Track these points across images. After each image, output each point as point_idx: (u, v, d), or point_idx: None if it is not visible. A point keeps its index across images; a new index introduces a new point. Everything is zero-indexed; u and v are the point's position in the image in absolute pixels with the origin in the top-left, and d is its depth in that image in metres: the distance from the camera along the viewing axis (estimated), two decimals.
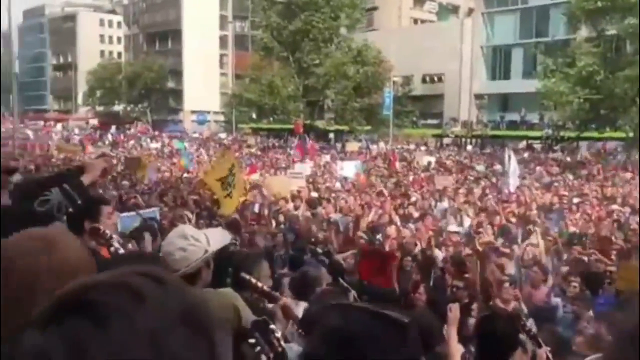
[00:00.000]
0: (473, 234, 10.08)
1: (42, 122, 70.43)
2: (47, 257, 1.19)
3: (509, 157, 16.13)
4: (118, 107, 72.31)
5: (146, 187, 15.61)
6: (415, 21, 63.03)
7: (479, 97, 49.67)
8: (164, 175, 18.94)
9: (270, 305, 3.29)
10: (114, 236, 2.94)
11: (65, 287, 0.67)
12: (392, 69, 46.36)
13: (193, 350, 0.64)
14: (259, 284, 2.95)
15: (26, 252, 1.19)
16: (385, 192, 15.95)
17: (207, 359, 0.65)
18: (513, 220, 12.13)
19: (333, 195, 15.66)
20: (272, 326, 2.39)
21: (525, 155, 33.87)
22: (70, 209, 2.44)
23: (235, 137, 49.89)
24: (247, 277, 2.97)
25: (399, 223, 11.39)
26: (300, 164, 22.79)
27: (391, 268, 6.64)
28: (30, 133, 46.03)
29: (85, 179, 2.64)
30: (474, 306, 5.73)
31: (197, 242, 2.62)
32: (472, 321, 4.91)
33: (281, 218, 11.55)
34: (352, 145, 39.09)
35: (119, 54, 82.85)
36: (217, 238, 2.78)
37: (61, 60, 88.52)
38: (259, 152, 36.43)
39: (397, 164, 24.46)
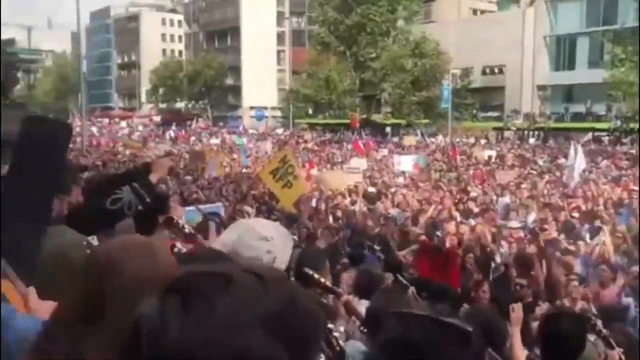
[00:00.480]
0: (537, 230, 9.76)
1: (107, 120, 73.31)
2: (152, 262, 1.29)
3: (575, 150, 15.53)
4: (180, 104, 74.25)
5: (207, 183, 15.96)
6: (475, 12, 61.51)
7: (541, 88, 48.00)
8: (224, 170, 19.29)
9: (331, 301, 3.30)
10: (186, 225, 3.05)
11: (179, 271, 0.77)
12: (451, 61, 45.48)
13: (268, 354, 0.67)
14: (322, 280, 2.95)
15: (135, 257, 1.29)
16: (445, 187, 15.70)
17: None
18: (577, 215, 11.69)
19: (391, 190, 15.54)
20: (331, 325, 2.38)
21: (592, 147, 32.51)
22: (140, 207, 2.52)
23: (292, 132, 50.25)
24: (310, 272, 2.97)
25: (459, 219, 11.18)
26: (356, 158, 22.72)
27: (454, 266, 6.52)
28: (96, 130, 48.00)
29: (153, 178, 2.73)
30: (539, 306, 5.54)
31: (274, 243, 2.59)
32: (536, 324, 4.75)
33: (338, 213, 11.57)
34: (410, 140, 38.62)
35: (180, 52, 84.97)
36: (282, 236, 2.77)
37: (125, 59, 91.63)
38: (315, 147, 36.57)
39: (457, 158, 23.99)
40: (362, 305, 3.61)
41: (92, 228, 2.33)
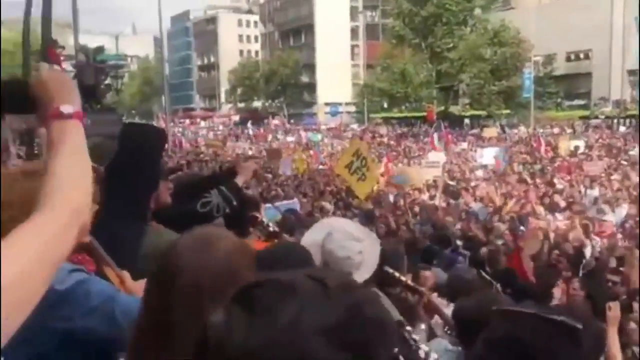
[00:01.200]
0: (631, 225, 9.20)
1: (188, 120, 76.04)
2: (208, 255, 1.27)
3: None
4: (257, 103, 75.88)
5: (284, 180, 16.21)
6: None
7: (632, 73, 45.11)
8: (302, 167, 19.50)
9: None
10: (270, 223, 3.10)
11: (246, 280, 0.78)
12: (532, 49, 43.67)
13: None
14: (403, 278, 2.90)
15: (190, 250, 1.28)
16: (529, 179, 15.12)
17: None
18: None
19: (472, 184, 15.15)
20: (408, 328, 2.34)
21: None
22: (227, 210, 2.61)
23: (367, 127, 50.07)
24: (391, 271, 2.93)
25: (543, 213, 10.74)
26: (434, 152, 22.29)
27: (520, 260, 6.25)
28: (178, 131, 49.91)
29: (239, 180, 2.82)
30: (635, 306, 5.22)
31: (365, 244, 2.60)
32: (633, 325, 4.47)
33: (416, 209, 11.40)
34: (490, 131, 37.45)
35: (257, 52, 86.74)
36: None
37: (205, 61, 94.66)
38: (391, 142, 36.24)
39: (542, 149, 23.01)
40: (444, 305, 3.52)
41: (182, 229, 2.42)
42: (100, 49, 13.29)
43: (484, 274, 5.89)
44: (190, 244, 1.29)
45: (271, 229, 3.07)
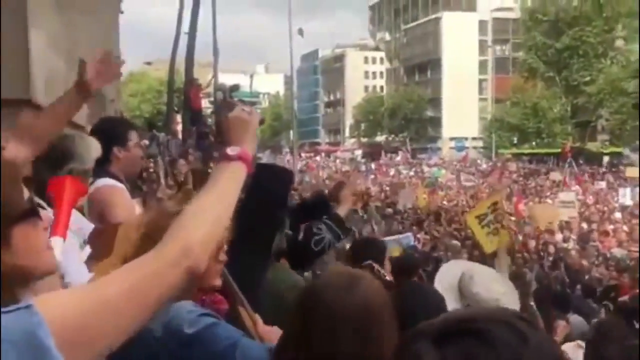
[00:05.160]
0: None
1: (314, 154, 78.16)
2: (349, 293, 1.33)
3: None
4: (380, 138, 76.32)
5: (405, 213, 16.01)
6: None
7: None
8: (423, 202, 19.13)
9: None
10: (386, 275, 2.97)
11: (444, 316, 0.76)
12: None
13: None
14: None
15: (331, 287, 1.36)
16: None
17: None
18: None
19: (611, 227, 13.97)
20: None
21: None
22: (336, 245, 2.62)
23: (495, 162, 48.25)
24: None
25: None
26: (566, 191, 20.92)
27: None
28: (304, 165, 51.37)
29: (341, 211, 2.80)
30: None
31: (506, 292, 2.57)
32: None
33: (551, 249, 10.70)
34: (633, 171, 34.46)
35: (382, 88, 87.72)
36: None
37: (331, 97, 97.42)
38: (520, 179, 34.56)
39: None
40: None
41: (297, 265, 2.48)
42: (235, 87, 14.11)
43: (636, 325, 5.33)
44: (335, 281, 1.37)
45: (387, 278, 2.93)
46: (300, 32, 30.04)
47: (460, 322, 0.72)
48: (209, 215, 1.05)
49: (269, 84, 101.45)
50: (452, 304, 2.52)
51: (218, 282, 1.60)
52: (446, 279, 2.64)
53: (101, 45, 4.50)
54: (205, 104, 22.56)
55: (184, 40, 21.17)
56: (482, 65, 73.93)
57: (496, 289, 2.48)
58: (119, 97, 7.49)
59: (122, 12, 8.34)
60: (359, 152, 75.87)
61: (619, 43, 45.07)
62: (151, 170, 7.93)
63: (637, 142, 40.75)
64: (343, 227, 2.72)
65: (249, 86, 43.33)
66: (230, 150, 1.19)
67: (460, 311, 0.76)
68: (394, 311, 1.35)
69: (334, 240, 2.64)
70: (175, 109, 23.56)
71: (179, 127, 21.73)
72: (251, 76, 46.70)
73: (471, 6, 76.16)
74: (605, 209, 18.58)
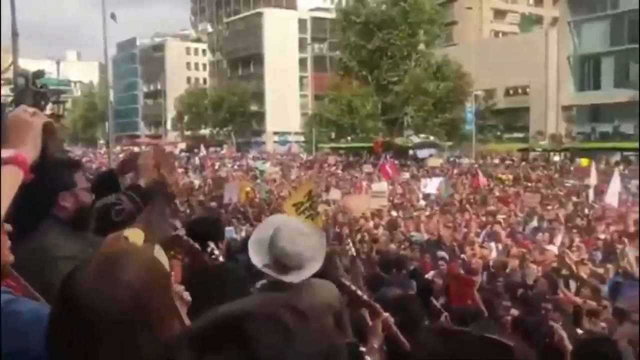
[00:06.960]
0: (565, 253, 9.56)
1: (135, 148, 74.43)
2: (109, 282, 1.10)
3: (613, 172, 15.38)
4: (204, 131, 75.23)
5: (230, 208, 16.03)
6: (497, 34, 61.50)
7: (566, 109, 47.51)
8: (248, 196, 19.29)
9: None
10: (216, 251, 2.90)
11: (214, 313, 0.72)
12: (474, 83, 45.39)
13: None
14: (359, 293, 2.79)
15: (84, 276, 1.15)
16: (470, 209, 15.53)
17: None
18: (603, 237, 11.42)
19: (415, 213, 15.43)
20: (362, 349, 2.34)
21: (620, 168, 31.83)
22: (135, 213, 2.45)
23: (315, 156, 50.42)
24: (348, 283, 2.87)
25: (484, 242, 11.03)
26: (378, 182, 22.62)
27: (473, 291, 6.40)
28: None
29: (142, 182, 2.61)
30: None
31: (314, 239, 2.64)
32: None
33: (364, 237, 11.51)
34: (434, 162, 38.38)
35: (205, 80, 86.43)
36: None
37: (151, 88, 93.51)
38: (339, 172, 36.57)
39: (481, 180, 23.75)
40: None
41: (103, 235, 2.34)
42: (40, 73, 12.86)
43: (434, 302, 5.98)
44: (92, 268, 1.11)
45: (215, 256, 2.87)
46: (113, 16, 28.23)
47: (223, 326, 0.70)
48: None
49: (81, 71, 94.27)
50: (258, 257, 2.57)
51: (10, 257, 1.34)
52: (261, 232, 2.66)
53: None
54: (5, 92, 20.25)
55: None
56: (303, 63, 76.53)
57: (301, 241, 2.55)
58: None
59: None
60: (182, 146, 73.99)
61: (421, 47, 49.69)
62: None
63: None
64: (145, 197, 2.52)
65: (57, 73, 39.73)
66: (3, 153, 1.11)
67: (228, 308, 0.73)
68: (170, 288, 1.17)
69: (135, 210, 2.50)
70: None
71: None
72: (58, 62, 42.79)
73: (291, 4, 78.38)
74: (411, 197, 20.45)
